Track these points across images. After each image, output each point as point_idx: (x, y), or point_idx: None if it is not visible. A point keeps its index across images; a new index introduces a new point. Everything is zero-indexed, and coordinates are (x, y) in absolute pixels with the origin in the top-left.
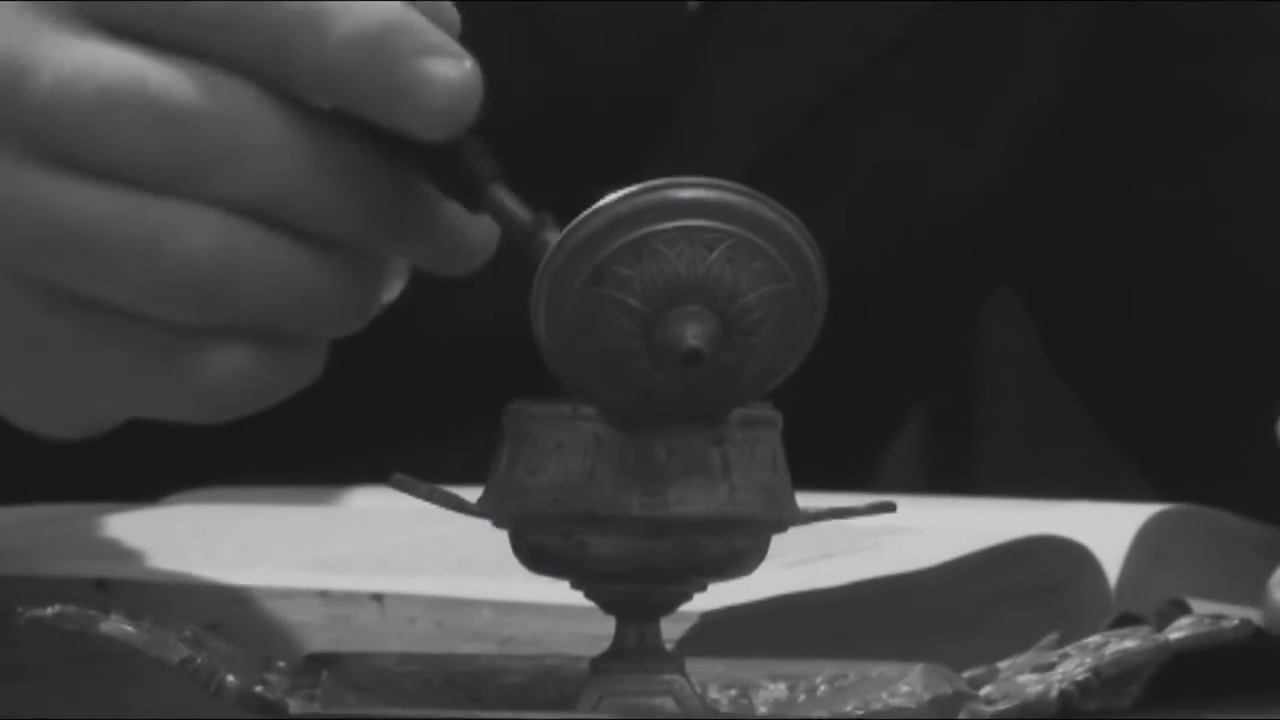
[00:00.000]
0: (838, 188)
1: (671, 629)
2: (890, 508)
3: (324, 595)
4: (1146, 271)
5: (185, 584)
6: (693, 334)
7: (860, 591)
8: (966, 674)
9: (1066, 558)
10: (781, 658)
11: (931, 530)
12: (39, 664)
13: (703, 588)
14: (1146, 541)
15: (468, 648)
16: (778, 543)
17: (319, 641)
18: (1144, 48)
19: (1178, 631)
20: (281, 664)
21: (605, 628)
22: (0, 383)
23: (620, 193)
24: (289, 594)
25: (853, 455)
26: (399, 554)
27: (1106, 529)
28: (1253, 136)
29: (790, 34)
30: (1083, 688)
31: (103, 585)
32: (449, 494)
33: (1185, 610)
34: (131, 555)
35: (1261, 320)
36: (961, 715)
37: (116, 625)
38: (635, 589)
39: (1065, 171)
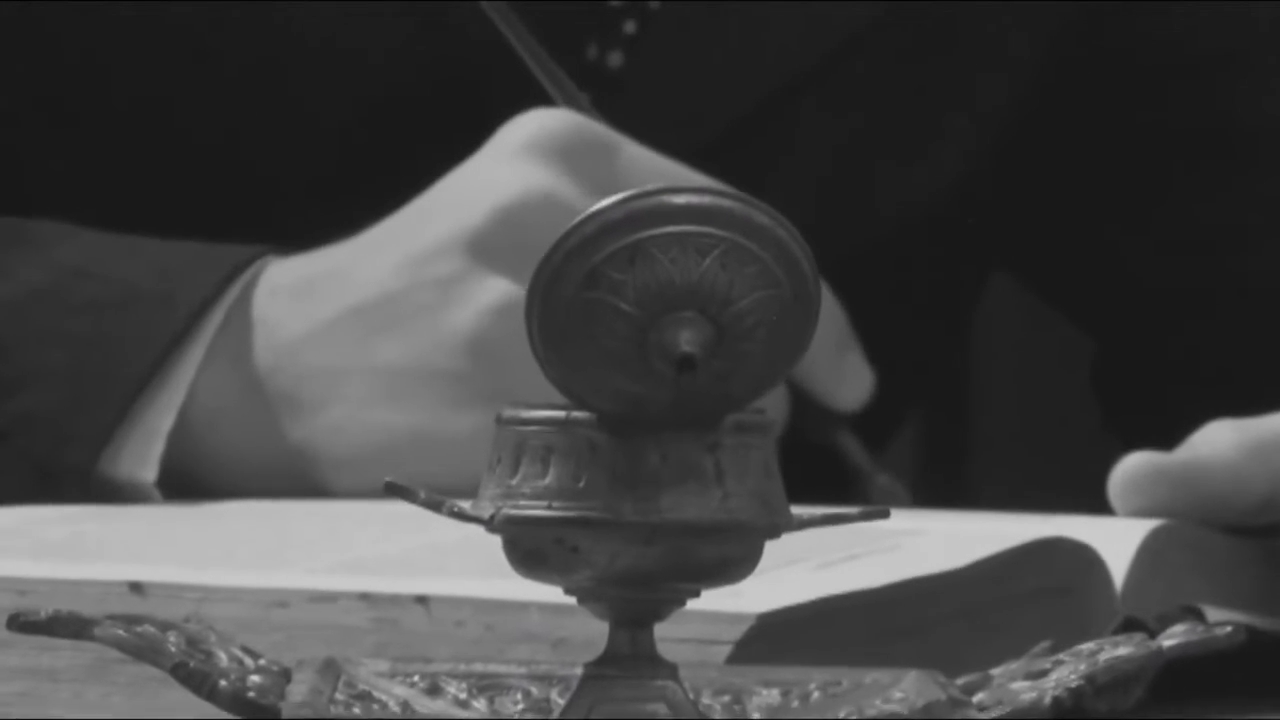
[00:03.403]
0: (787, 185)
1: (728, 631)
2: (884, 513)
3: (366, 598)
4: (1162, 296)
5: (224, 587)
6: (686, 340)
7: (901, 592)
8: (960, 680)
9: (1080, 560)
10: (823, 662)
11: (946, 534)
12: (75, 669)
13: (696, 594)
14: (1149, 551)
15: (520, 651)
16: (802, 544)
17: (366, 646)
18: (1155, 68)
19: (1171, 639)
20: (274, 667)
21: (660, 630)
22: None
23: (614, 198)
24: (331, 597)
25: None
26: (435, 554)
27: (1110, 537)
28: (1260, 159)
29: (725, 36)
30: (1076, 694)
31: (136, 588)
32: (442, 499)
33: (1198, 616)
34: (164, 556)
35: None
36: None
37: (109, 630)
38: (628, 595)
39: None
